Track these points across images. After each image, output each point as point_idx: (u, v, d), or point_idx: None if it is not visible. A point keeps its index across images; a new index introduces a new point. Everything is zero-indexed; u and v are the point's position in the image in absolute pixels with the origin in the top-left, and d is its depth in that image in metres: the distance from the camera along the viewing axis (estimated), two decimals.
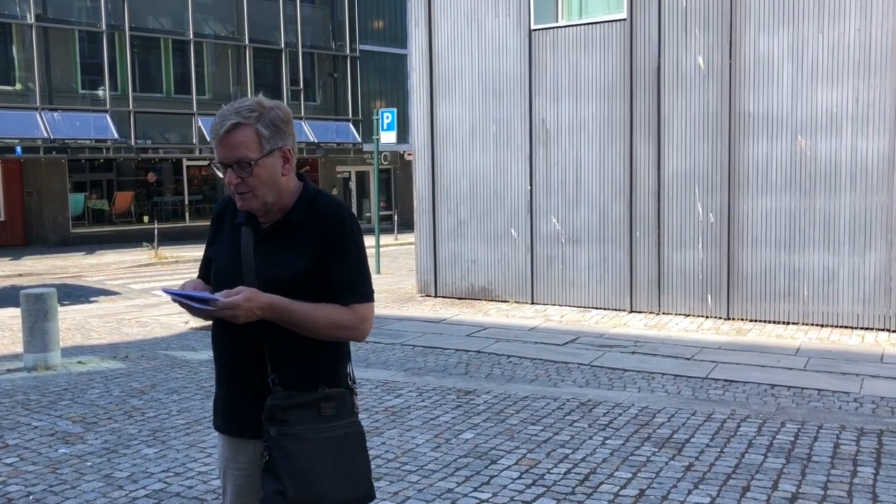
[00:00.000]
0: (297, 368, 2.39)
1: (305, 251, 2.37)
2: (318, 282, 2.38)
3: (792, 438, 5.51)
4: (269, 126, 2.34)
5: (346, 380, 2.48)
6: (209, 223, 2.61)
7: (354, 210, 32.88)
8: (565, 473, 4.88)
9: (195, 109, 26.01)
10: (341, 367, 2.48)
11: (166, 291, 2.37)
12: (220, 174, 2.39)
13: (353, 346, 9.33)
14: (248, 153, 2.32)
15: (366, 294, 2.44)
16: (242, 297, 2.27)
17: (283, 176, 2.39)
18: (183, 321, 11.08)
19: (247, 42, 27.38)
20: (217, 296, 2.29)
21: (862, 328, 9.83)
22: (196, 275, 2.67)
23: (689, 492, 4.57)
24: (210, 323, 2.51)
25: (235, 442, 2.49)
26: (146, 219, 26.38)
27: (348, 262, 2.40)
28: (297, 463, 2.31)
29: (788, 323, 10.26)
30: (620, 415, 6.15)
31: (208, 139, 2.42)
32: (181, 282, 2.67)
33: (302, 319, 2.34)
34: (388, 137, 17.32)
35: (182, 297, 2.32)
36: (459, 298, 12.87)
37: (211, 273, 2.52)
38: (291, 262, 2.37)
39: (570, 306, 11.85)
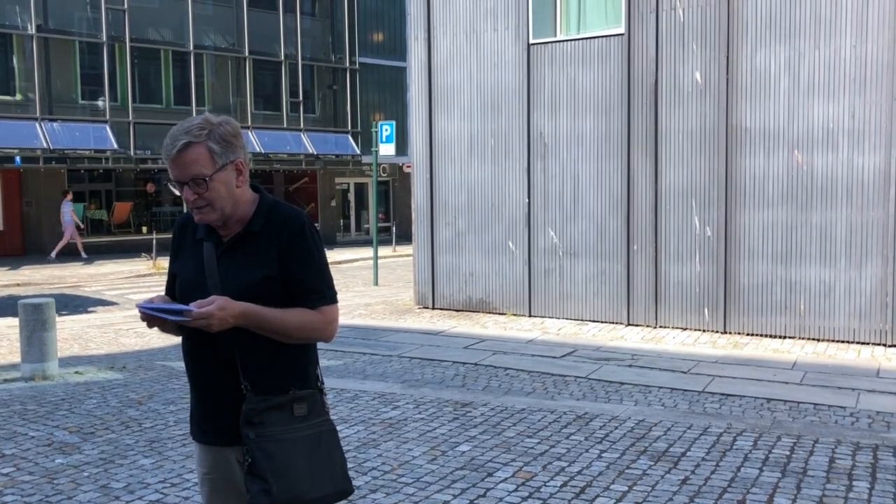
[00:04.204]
0: (267, 374, 2.47)
1: (269, 258, 2.46)
2: (281, 287, 2.47)
3: (788, 452, 5.53)
4: (220, 142, 2.42)
5: (314, 381, 2.57)
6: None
7: (353, 221, 33.29)
8: (561, 486, 4.89)
9: None
10: (310, 369, 2.58)
11: (140, 307, 2.42)
12: (176, 192, 2.47)
13: (351, 358, 9.22)
14: (202, 170, 2.40)
15: (332, 296, 2.54)
16: (216, 307, 2.34)
17: (237, 188, 2.48)
18: None
19: (247, 54, 27.47)
20: (190, 306, 2.34)
21: (858, 343, 9.85)
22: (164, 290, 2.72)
23: None
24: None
25: (213, 450, 2.58)
26: (145, 229, 26.37)
27: (313, 266, 2.50)
28: (277, 462, 2.40)
29: (785, 337, 10.28)
30: (617, 428, 6.16)
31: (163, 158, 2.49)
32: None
33: (274, 324, 2.43)
34: (386, 149, 17.37)
35: (155, 311, 2.38)
36: (457, 310, 12.88)
37: (176, 288, 2.58)
38: (256, 270, 2.45)
39: (567, 319, 11.87)
